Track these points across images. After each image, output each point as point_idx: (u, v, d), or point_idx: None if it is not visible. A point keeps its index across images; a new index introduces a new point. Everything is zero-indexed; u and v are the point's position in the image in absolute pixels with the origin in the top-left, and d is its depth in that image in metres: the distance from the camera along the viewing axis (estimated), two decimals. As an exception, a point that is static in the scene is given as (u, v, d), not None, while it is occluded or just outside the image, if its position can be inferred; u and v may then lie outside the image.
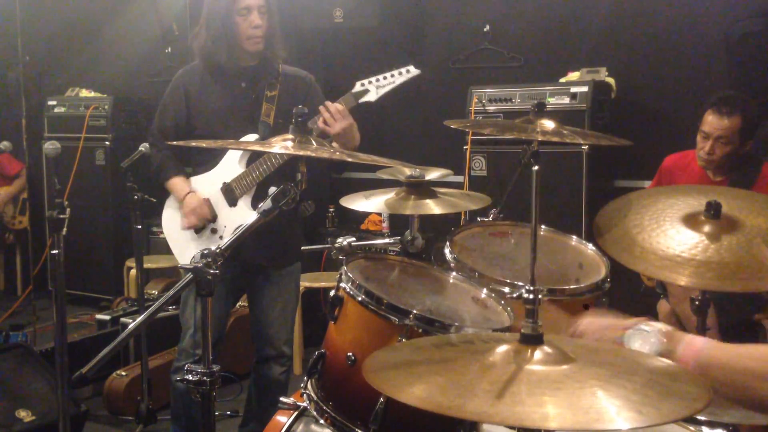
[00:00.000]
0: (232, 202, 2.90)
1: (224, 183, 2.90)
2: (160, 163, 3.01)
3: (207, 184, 2.94)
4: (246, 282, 3.04)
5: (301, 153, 1.80)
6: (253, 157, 2.87)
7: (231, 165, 2.92)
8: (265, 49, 2.89)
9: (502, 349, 1.23)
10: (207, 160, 2.97)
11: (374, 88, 2.80)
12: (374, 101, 2.80)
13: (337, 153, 1.98)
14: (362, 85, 2.81)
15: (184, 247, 2.99)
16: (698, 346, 1.34)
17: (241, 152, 2.90)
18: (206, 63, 2.94)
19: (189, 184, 2.97)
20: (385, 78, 2.80)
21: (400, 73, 2.81)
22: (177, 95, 2.97)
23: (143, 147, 3.45)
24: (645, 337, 1.39)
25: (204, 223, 2.90)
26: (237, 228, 2.79)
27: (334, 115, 2.72)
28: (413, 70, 2.81)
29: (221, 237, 2.89)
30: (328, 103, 2.75)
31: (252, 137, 2.85)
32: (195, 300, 2.85)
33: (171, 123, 2.99)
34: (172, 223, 3.03)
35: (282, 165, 2.79)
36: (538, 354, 1.20)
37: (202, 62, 2.96)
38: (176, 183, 2.96)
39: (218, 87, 2.93)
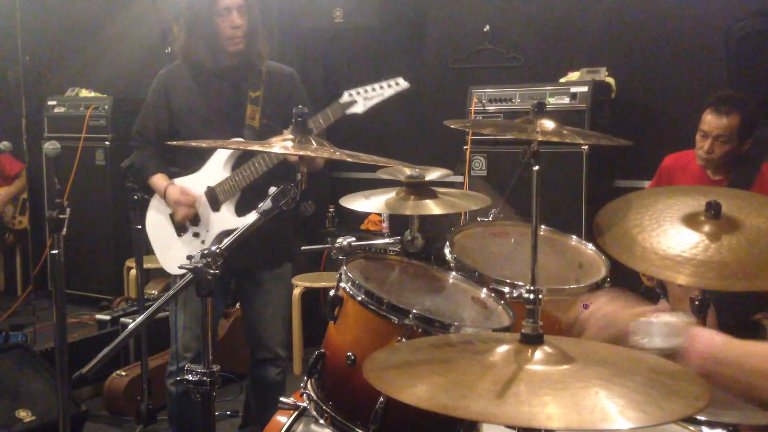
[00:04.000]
0: (216, 206, 2.85)
1: (208, 187, 2.86)
2: (142, 162, 3.00)
3: (191, 187, 2.90)
4: (237, 286, 3.03)
5: (301, 153, 1.80)
6: (239, 162, 2.83)
7: (216, 168, 2.87)
8: (246, 48, 2.85)
9: (503, 349, 1.23)
10: (192, 163, 2.93)
11: (362, 99, 2.76)
12: (361, 113, 2.76)
13: (337, 153, 1.98)
14: (350, 95, 2.77)
15: (165, 250, 2.97)
16: (706, 341, 1.33)
17: (227, 156, 2.86)
18: (188, 64, 2.91)
19: (168, 179, 2.94)
20: (373, 89, 2.76)
21: (389, 86, 2.77)
22: (158, 97, 2.94)
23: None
24: (653, 328, 1.37)
25: (193, 210, 2.86)
26: (220, 233, 2.79)
27: None
28: (402, 83, 2.77)
29: (203, 242, 2.86)
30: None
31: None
32: (175, 305, 2.85)
33: (152, 125, 2.96)
34: (155, 225, 3.01)
35: (267, 171, 2.74)
36: (538, 354, 1.20)
37: (184, 63, 2.93)
38: (156, 179, 2.95)
39: (200, 88, 2.90)
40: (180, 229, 2.94)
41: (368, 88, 2.76)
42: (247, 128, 2.84)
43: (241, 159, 2.83)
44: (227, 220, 2.82)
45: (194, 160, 2.93)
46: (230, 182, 2.83)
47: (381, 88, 2.77)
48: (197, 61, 2.87)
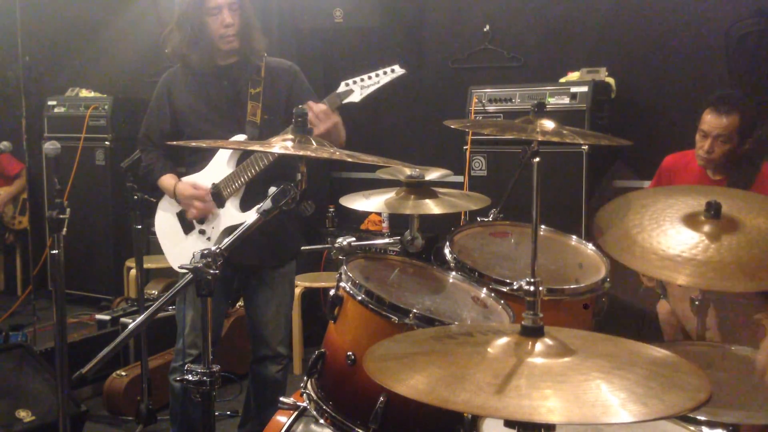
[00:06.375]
0: (220, 203, 2.85)
1: (213, 184, 2.85)
2: (148, 164, 3.01)
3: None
4: (241, 283, 3.04)
5: (301, 153, 1.80)
6: (242, 158, 2.84)
7: (220, 166, 2.89)
8: (241, 46, 2.85)
9: (503, 341, 1.22)
10: (197, 161, 2.95)
11: (358, 88, 2.74)
12: (358, 102, 2.74)
13: (337, 153, 1.98)
14: (347, 85, 2.76)
15: (173, 249, 2.98)
16: None
17: (229, 153, 2.87)
18: (183, 64, 2.92)
19: (176, 178, 2.95)
20: (369, 78, 2.73)
21: (385, 73, 2.75)
22: (161, 99, 2.96)
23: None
24: None
25: (208, 203, 2.85)
26: (225, 229, 2.81)
27: (318, 115, 2.67)
28: (398, 70, 2.74)
29: (209, 238, 2.88)
30: (312, 104, 2.69)
31: (240, 138, 2.83)
32: (184, 301, 2.86)
33: (156, 127, 2.98)
34: (163, 225, 3.02)
35: (269, 166, 2.75)
36: (539, 346, 1.19)
37: (181, 65, 2.94)
38: (165, 180, 2.96)
39: (200, 88, 2.91)
40: (187, 227, 2.95)
41: (364, 77, 2.74)
42: (249, 124, 2.85)
43: (244, 154, 2.84)
44: (232, 215, 2.83)
45: (199, 159, 2.94)
46: (233, 178, 2.84)
47: (377, 76, 2.74)
48: (193, 61, 2.87)
